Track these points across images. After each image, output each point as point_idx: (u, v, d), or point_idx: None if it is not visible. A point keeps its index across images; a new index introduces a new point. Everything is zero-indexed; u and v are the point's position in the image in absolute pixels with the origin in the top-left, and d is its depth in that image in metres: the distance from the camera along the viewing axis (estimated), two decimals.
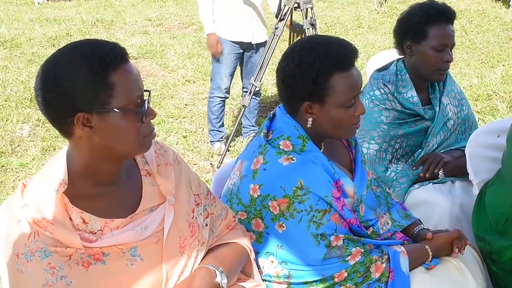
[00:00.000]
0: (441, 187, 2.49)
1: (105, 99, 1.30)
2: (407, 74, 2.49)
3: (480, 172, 2.32)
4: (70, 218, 1.35)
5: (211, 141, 4.62)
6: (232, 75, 4.41)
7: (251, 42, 4.31)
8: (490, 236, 2.09)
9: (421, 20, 2.39)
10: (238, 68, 4.53)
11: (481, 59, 6.34)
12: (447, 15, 2.40)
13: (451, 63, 2.46)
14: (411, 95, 2.47)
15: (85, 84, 1.28)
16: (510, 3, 8.37)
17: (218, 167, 4.06)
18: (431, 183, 2.49)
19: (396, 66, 2.54)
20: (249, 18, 4.24)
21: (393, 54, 3.27)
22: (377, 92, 2.48)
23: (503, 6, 8.44)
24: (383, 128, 2.46)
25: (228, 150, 4.29)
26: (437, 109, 2.54)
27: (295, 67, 1.71)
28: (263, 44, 4.40)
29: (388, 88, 2.48)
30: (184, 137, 4.83)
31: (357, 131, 2.44)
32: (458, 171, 2.49)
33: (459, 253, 1.93)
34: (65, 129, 1.34)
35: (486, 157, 2.32)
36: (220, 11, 4.26)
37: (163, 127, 4.98)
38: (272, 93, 5.69)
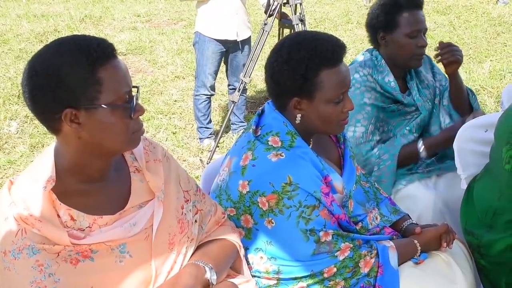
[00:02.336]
0: (427, 182, 2.50)
1: (93, 95, 1.29)
2: (383, 61, 2.50)
3: (468, 166, 2.33)
4: (58, 215, 1.34)
5: (200, 138, 4.61)
6: (216, 73, 4.40)
7: (235, 40, 4.30)
8: (478, 230, 2.10)
9: (391, 9, 2.42)
10: (223, 65, 4.52)
11: (469, 54, 6.38)
12: (416, 2, 2.44)
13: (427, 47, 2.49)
14: (389, 80, 2.49)
15: (72, 80, 1.28)
16: None
17: (207, 163, 4.05)
18: (417, 179, 2.49)
19: (371, 54, 2.56)
20: (233, 15, 4.22)
21: None
22: (356, 75, 2.48)
23: (490, 1, 8.48)
24: (367, 110, 2.45)
25: (218, 146, 4.29)
26: (416, 96, 2.55)
27: (284, 63, 1.71)
28: (247, 40, 4.39)
29: (367, 70, 2.50)
30: (174, 133, 4.82)
31: None
32: (438, 147, 2.52)
33: (447, 247, 1.95)
34: (52, 125, 1.33)
35: (474, 152, 2.34)
36: (202, 8, 4.24)
37: (153, 124, 4.96)
38: (261, 88, 5.69)
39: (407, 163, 2.51)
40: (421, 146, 2.50)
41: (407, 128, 2.53)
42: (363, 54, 2.62)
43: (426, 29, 2.49)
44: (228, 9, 4.19)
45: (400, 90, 2.52)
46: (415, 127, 2.54)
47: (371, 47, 2.61)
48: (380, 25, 2.47)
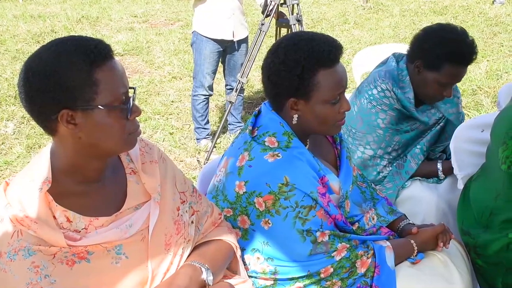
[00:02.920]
0: (429, 183, 2.51)
1: (89, 96, 1.29)
2: (408, 77, 2.42)
3: (464, 166, 2.34)
4: (54, 217, 1.34)
5: (197, 139, 4.61)
6: (214, 73, 4.41)
7: (232, 40, 4.30)
8: (474, 230, 2.11)
9: (444, 56, 2.28)
10: (221, 65, 4.52)
11: None
12: (469, 61, 2.31)
13: None
14: (408, 96, 2.42)
15: (69, 81, 1.27)
16: None
17: (204, 164, 4.05)
18: (418, 179, 2.50)
19: (397, 64, 2.49)
20: (229, 15, 4.22)
21: (379, 50, 3.29)
22: (374, 91, 2.43)
23: (487, 1, 8.50)
24: (379, 133, 2.44)
25: (215, 147, 4.29)
26: (437, 113, 2.52)
27: (280, 64, 1.71)
28: (244, 40, 4.39)
29: (386, 85, 2.42)
30: (171, 133, 4.82)
31: (355, 131, 2.46)
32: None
33: (444, 247, 1.95)
34: (49, 126, 1.33)
35: (470, 152, 2.34)
36: (199, 8, 4.25)
37: (150, 124, 4.96)
38: (258, 89, 5.69)
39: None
40: (440, 169, 2.50)
41: (418, 147, 2.51)
42: (391, 60, 2.53)
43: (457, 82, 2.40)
44: (225, 9, 4.19)
45: (419, 104, 2.46)
46: (426, 145, 2.52)
47: (402, 53, 2.52)
48: (423, 57, 2.35)
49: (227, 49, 4.39)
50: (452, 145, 2.34)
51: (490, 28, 7.27)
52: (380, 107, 2.43)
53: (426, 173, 2.52)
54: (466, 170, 2.33)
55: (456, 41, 2.29)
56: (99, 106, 1.30)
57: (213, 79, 4.43)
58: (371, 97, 2.44)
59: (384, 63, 2.58)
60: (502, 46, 6.65)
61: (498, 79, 5.66)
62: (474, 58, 2.31)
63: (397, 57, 2.55)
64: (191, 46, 4.45)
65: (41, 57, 1.31)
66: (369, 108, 2.43)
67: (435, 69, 2.33)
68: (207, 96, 4.46)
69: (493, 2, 8.38)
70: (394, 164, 2.49)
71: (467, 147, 2.35)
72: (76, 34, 1.40)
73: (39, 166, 1.36)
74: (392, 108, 2.42)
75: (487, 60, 6.17)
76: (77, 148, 1.35)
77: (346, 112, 1.77)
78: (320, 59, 1.69)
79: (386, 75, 2.45)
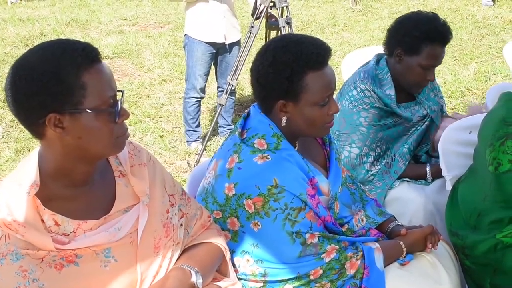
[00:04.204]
0: (416, 184, 2.52)
1: (77, 100, 1.29)
2: (389, 74, 2.49)
3: (452, 168, 2.35)
4: (42, 220, 1.33)
5: (187, 141, 4.61)
6: (206, 75, 4.40)
7: (224, 43, 4.30)
8: (463, 231, 2.12)
9: (420, 36, 2.36)
10: (213, 67, 4.52)
11: (455, 56, 6.42)
12: (445, 39, 2.40)
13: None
14: (389, 93, 2.47)
15: (56, 85, 1.27)
16: (481, 1, 8.48)
17: (195, 167, 4.05)
18: (406, 180, 2.52)
19: (378, 63, 2.54)
20: (220, 18, 4.22)
21: (368, 52, 3.29)
22: (354, 92, 2.47)
23: (475, 4, 8.55)
24: (363, 131, 2.46)
25: (205, 150, 4.29)
26: (420, 110, 2.57)
27: (269, 66, 1.71)
28: (237, 43, 4.39)
29: (365, 85, 2.46)
30: (161, 136, 4.81)
31: (339, 133, 2.47)
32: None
33: (432, 248, 1.96)
34: (36, 130, 1.33)
35: (458, 153, 2.36)
36: (191, 11, 4.24)
37: (140, 127, 4.95)
38: (248, 92, 5.69)
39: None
40: (429, 172, 2.53)
41: (405, 146, 2.54)
42: (372, 60, 2.58)
43: (439, 64, 2.47)
44: (216, 12, 4.19)
45: (402, 100, 2.53)
46: (413, 145, 2.56)
47: (382, 52, 2.59)
48: (402, 44, 2.42)
49: (219, 51, 4.39)
50: (440, 147, 2.35)
51: (478, 30, 7.31)
52: (361, 106, 2.46)
53: (414, 176, 2.54)
54: (454, 172, 2.34)
55: (430, 20, 2.40)
56: (87, 110, 1.30)
57: (206, 82, 4.43)
58: (352, 98, 2.47)
59: (366, 63, 2.62)
60: (490, 48, 6.70)
61: (486, 80, 5.70)
62: (450, 37, 2.41)
63: (379, 56, 2.60)
64: (184, 48, 4.45)
65: (28, 61, 1.30)
66: (351, 109, 2.47)
67: (415, 53, 2.41)
68: (199, 99, 4.45)
69: (480, 5, 8.43)
70: (383, 163, 2.51)
71: (455, 149, 2.37)
72: (65, 38, 1.40)
73: (27, 170, 1.36)
74: (373, 106, 2.46)
75: (476, 62, 6.21)
76: (65, 152, 1.34)
77: None
78: (309, 62, 1.69)
79: (364, 75, 2.50)
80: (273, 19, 4.17)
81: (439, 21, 2.40)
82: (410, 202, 2.42)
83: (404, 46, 2.42)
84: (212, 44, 4.27)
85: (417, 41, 2.38)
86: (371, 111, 2.46)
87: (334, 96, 2.49)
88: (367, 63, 2.62)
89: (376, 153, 2.51)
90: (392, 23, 2.51)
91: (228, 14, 4.26)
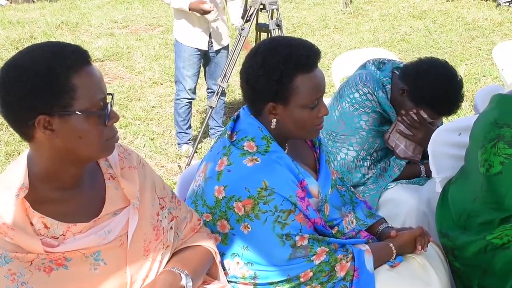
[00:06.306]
0: (409, 185, 2.53)
1: (66, 102, 1.29)
2: (390, 85, 2.49)
3: (442, 169, 2.36)
4: (31, 223, 1.33)
5: (178, 144, 4.60)
6: (196, 75, 4.38)
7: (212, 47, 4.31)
8: (453, 232, 2.12)
9: (428, 100, 2.43)
10: (202, 69, 4.52)
11: (445, 58, 6.43)
12: (448, 113, 2.51)
13: None
14: (389, 105, 2.49)
15: (46, 87, 1.27)
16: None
17: (185, 169, 4.04)
18: (399, 182, 2.52)
19: (379, 70, 2.54)
20: (207, 26, 4.20)
21: (359, 55, 3.31)
22: (356, 95, 2.47)
23: (465, 6, 8.60)
24: (362, 135, 2.47)
25: (196, 152, 4.28)
26: None
27: (259, 68, 1.71)
28: (225, 48, 4.39)
29: (367, 88, 2.46)
30: (152, 139, 4.80)
31: (336, 135, 2.48)
32: None
33: (422, 250, 1.96)
34: (25, 132, 1.32)
35: (448, 155, 2.37)
36: (178, 17, 4.24)
37: (130, 130, 4.94)
38: (239, 94, 5.69)
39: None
40: (423, 171, 2.56)
41: None
42: (368, 65, 2.59)
43: None
44: (203, 19, 4.17)
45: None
46: None
47: (378, 58, 2.60)
48: (413, 88, 2.44)
49: (207, 52, 4.38)
50: (430, 149, 2.36)
51: (468, 32, 7.35)
52: (362, 110, 2.46)
53: (409, 175, 2.55)
54: (444, 173, 2.35)
55: (445, 92, 2.41)
56: (77, 112, 1.30)
57: (195, 83, 4.41)
58: (353, 101, 2.47)
59: (363, 66, 2.62)
60: (480, 50, 6.73)
61: (476, 82, 5.73)
62: (453, 112, 2.49)
63: (376, 64, 2.59)
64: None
65: (18, 63, 1.30)
66: (352, 111, 2.46)
67: (415, 103, 2.45)
68: (189, 100, 4.44)
69: (497, 5, 8.36)
70: (379, 167, 2.52)
71: (445, 150, 2.38)
72: (55, 40, 1.39)
73: (16, 173, 1.35)
74: (374, 110, 2.47)
75: (465, 64, 6.24)
76: (54, 154, 1.34)
77: (325, 117, 1.78)
78: (299, 64, 1.70)
79: (367, 78, 2.49)
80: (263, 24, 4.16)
81: (453, 96, 2.45)
82: (403, 204, 2.43)
83: (411, 92, 2.45)
84: (199, 49, 4.27)
85: (423, 100, 2.43)
86: (372, 115, 2.47)
87: (330, 98, 2.51)
88: (363, 65, 2.62)
89: (373, 158, 2.51)
90: (425, 60, 2.53)
91: (216, 21, 4.23)
